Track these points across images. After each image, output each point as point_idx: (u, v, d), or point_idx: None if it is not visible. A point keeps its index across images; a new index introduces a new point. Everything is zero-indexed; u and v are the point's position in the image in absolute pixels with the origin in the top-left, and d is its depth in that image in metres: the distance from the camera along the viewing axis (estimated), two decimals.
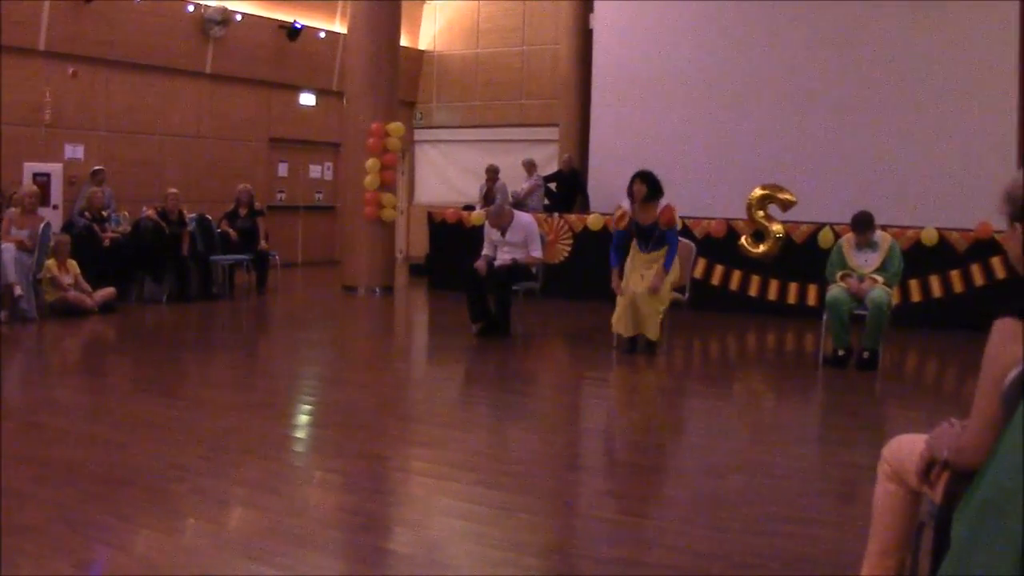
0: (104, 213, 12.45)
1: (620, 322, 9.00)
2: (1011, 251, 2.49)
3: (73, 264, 10.86)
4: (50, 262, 10.59)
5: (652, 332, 8.88)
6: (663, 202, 8.97)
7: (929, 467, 2.76)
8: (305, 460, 5.63)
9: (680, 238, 9.28)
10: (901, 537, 3.10)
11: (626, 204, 9.06)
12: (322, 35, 17.67)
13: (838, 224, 10.95)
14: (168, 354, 9.20)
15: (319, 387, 7.99)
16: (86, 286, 10.88)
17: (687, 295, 9.41)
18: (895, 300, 8.62)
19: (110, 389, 7.58)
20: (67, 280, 10.70)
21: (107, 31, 14.29)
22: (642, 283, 8.91)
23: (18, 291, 9.96)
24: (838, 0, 13.80)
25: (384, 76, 13.66)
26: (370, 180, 13.45)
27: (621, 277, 9.11)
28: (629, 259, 9.17)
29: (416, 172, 20.65)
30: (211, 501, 4.61)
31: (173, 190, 12.88)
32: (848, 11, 13.76)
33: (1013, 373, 2.35)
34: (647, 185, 8.89)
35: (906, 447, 3.03)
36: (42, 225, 10.57)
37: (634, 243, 9.14)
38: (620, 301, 9.03)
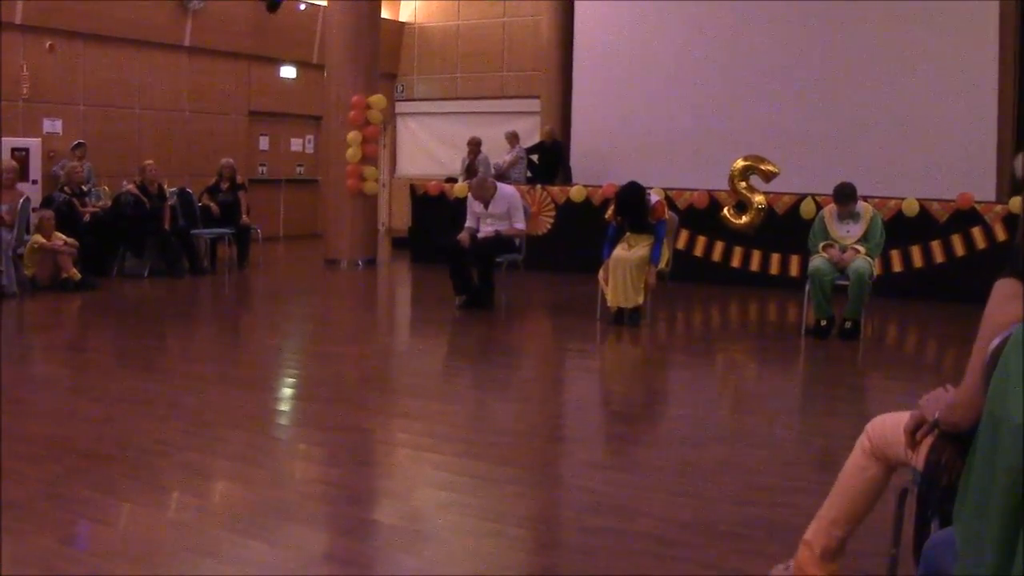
0: (84, 188, 12.36)
1: (612, 293, 9.01)
2: None
3: (59, 235, 10.80)
4: (36, 236, 10.53)
5: (631, 300, 8.89)
6: (653, 198, 9.08)
7: (917, 427, 2.78)
8: (288, 433, 5.63)
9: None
10: (856, 512, 3.14)
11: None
12: (302, 7, 17.48)
13: (820, 195, 10.96)
14: (150, 329, 9.17)
15: (302, 360, 7.97)
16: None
17: (670, 266, 9.42)
18: (877, 270, 8.65)
19: (92, 364, 7.55)
20: (58, 243, 10.66)
21: (85, 4, 14.06)
22: (627, 252, 8.94)
23: None
24: None
25: (365, 48, 13.56)
26: (352, 153, 13.38)
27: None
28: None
29: (398, 145, 20.54)
30: (195, 475, 4.61)
31: (150, 161, 12.75)
32: None
33: (996, 341, 2.35)
34: (631, 216, 9.05)
35: (890, 422, 3.04)
36: (21, 200, 10.49)
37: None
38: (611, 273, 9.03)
